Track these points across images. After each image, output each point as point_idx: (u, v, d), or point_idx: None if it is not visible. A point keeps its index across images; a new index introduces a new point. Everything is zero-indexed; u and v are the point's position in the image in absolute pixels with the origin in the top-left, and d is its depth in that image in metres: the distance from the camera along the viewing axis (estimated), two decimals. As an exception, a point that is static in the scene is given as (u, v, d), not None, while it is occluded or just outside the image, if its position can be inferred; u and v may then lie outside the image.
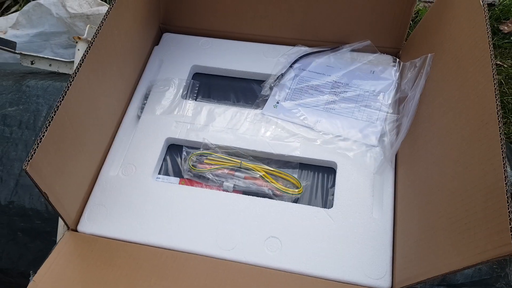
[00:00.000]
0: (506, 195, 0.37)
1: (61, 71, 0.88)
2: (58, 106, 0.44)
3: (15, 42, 0.87)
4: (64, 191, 0.50)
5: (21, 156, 0.71)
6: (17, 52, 0.88)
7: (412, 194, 0.53)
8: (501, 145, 0.39)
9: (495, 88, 0.43)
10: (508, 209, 0.36)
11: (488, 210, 0.38)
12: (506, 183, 0.37)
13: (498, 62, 1.27)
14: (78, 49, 0.71)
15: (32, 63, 0.89)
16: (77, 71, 0.47)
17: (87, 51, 0.49)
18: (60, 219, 0.61)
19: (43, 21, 1.10)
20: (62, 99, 0.45)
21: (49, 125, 0.43)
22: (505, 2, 1.36)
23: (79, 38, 0.72)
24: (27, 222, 0.68)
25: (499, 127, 0.40)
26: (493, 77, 0.44)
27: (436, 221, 0.46)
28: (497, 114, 0.41)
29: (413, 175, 0.55)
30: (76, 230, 0.56)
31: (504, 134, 0.41)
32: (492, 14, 1.34)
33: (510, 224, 0.35)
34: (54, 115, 0.44)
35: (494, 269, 0.66)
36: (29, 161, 0.41)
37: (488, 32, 0.48)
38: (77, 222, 0.57)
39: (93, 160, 0.59)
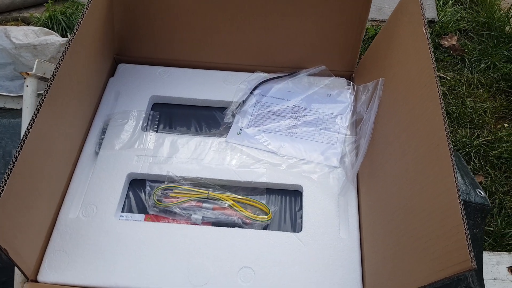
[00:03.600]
0: (461, 213, 0.39)
1: (7, 106, 0.84)
2: (16, 157, 0.42)
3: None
4: (22, 243, 0.47)
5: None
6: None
7: (375, 213, 0.55)
8: (452, 165, 0.42)
9: (442, 112, 0.46)
10: (464, 226, 0.38)
11: (445, 228, 0.40)
12: (460, 202, 0.40)
13: (442, 75, 1.36)
14: (27, 85, 0.68)
15: (-25, 100, 0.84)
16: (37, 112, 0.45)
17: (46, 91, 0.47)
18: (16, 269, 0.57)
19: (-15, 52, 1.04)
20: (21, 149, 0.42)
21: (8, 179, 0.40)
22: (443, 19, 1.47)
23: (27, 74, 0.68)
24: (-21, 273, 0.63)
25: (449, 148, 0.43)
26: (440, 101, 0.47)
27: (399, 238, 0.48)
28: (447, 136, 0.44)
29: (375, 194, 0.57)
30: (36, 281, 0.52)
31: (453, 154, 0.43)
32: (433, 31, 1.44)
33: (466, 241, 0.37)
34: (13, 167, 0.41)
35: (455, 275, 0.70)
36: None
37: (432, 60, 0.51)
38: (37, 271, 0.53)
39: (51, 204, 0.56)
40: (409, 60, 0.56)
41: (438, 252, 0.41)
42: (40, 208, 0.52)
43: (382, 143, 0.58)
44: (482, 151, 1.18)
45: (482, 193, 0.83)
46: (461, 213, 0.39)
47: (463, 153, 1.17)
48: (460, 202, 0.40)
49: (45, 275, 0.53)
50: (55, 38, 1.00)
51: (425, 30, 0.53)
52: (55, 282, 0.52)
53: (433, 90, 0.49)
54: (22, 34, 1.00)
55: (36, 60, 0.68)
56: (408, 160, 0.50)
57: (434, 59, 0.51)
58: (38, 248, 0.53)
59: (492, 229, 1.04)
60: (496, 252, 0.93)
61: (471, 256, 0.36)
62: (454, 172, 0.42)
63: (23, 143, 0.43)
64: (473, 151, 1.17)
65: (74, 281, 0.52)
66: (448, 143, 0.44)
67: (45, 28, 1.05)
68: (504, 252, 0.94)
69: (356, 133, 0.67)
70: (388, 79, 0.62)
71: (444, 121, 0.46)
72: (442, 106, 0.47)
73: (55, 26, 1.41)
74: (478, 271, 0.81)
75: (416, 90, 0.52)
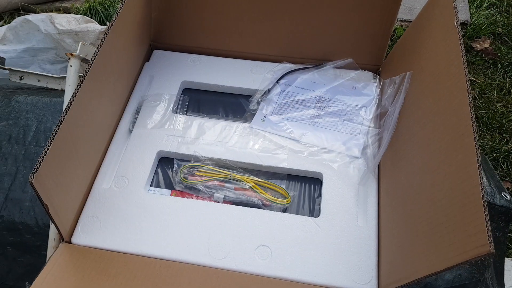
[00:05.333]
0: (482, 199, 0.40)
1: (50, 86, 0.90)
2: (61, 121, 0.46)
3: (4, 58, 0.88)
4: (62, 203, 0.51)
5: (11, 171, 0.72)
6: (6, 67, 0.88)
7: (395, 202, 0.56)
8: (476, 154, 0.43)
9: (469, 102, 0.47)
10: (484, 212, 0.39)
11: (465, 214, 0.41)
12: (482, 189, 0.41)
13: (472, 78, 1.34)
14: (71, 65, 0.73)
15: (21, 79, 0.89)
16: (79, 87, 0.49)
17: (88, 68, 0.51)
18: (50, 233, 0.61)
19: (30, 37, 1.11)
20: (65, 114, 0.46)
21: (53, 139, 0.45)
22: (476, 21, 1.44)
23: (72, 54, 0.73)
24: (17, 236, 0.68)
25: (474, 137, 0.44)
26: (468, 91, 0.48)
27: (417, 226, 0.49)
28: (472, 126, 0.45)
29: (395, 184, 0.58)
30: (70, 242, 0.57)
31: (479, 144, 0.44)
32: (465, 33, 1.42)
33: (486, 226, 0.38)
34: (58, 129, 0.45)
35: (474, 275, 0.70)
36: (34, 173, 0.42)
37: (462, 51, 0.52)
38: (71, 234, 0.57)
39: (87, 174, 0.60)
40: (438, 53, 0.57)
41: (457, 237, 0.41)
42: (78, 175, 0.56)
43: (406, 134, 0.59)
44: (510, 157, 1.15)
45: (508, 196, 0.82)
46: (482, 199, 0.40)
47: (491, 158, 1.15)
48: (482, 189, 0.40)
49: (78, 238, 0.57)
50: (95, 26, 1.06)
51: (456, 23, 0.54)
52: (87, 245, 0.56)
53: (461, 81, 0.49)
54: (66, 21, 1.06)
55: (80, 42, 0.73)
56: (432, 150, 0.51)
57: (464, 51, 0.52)
58: (74, 212, 0.57)
59: (516, 235, 1.02)
60: (519, 259, 0.92)
61: (490, 240, 0.37)
62: (477, 160, 0.42)
63: (67, 111, 0.47)
64: (501, 156, 1.15)
65: (104, 245, 0.56)
66: (474, 132, 0.44)
67: (86, 17, 1.11)
68: (527, 259, 0.92)
69: (380, 125, 0.68)
70: (416, 72, 0.62)
71: (470, 111, 0.46)
72: (469, 97, 0.47)
73: (93, 17, 1.49)
74: (499, 276, 0.80)
75: (444, 82, 0.53)
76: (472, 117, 0.45)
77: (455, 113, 0.48)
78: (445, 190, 0.45)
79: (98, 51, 0.53)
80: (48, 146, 0.44)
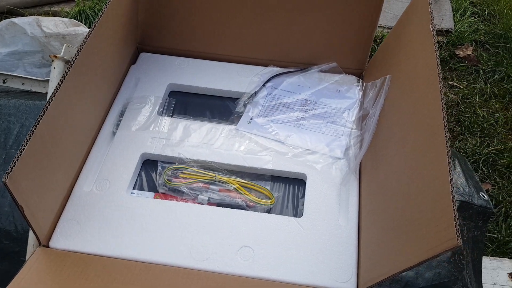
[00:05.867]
0: (452, 195, 0.41)
1: (34, 89, 0.89)
2: (39, 121, 0.46)
3: (-11, 61, 0.88)
4: (38, 206, 0.51)
5: (-8, 173, 0.71)
6: (-10, 70, 0.88)
7: (374, 201, 0.58)
8: (447, 152, 0.44)
9: (442, 103, 0.49)
10: (453, 207, 0.40)
11: (436, 210, 0.43)
12: (451, 185, 0.42)
13: (455, 84, 1.37)
14: (54, 67, 0.73)
15: (4, 82, 0.89)
16: (59, 87, 0.49)
17: (69, 68, 0.51)
18: (29, 238, 0.60)
19: (16, 40, 1.10)
20: (44, 114, 0.47)
21: (29, 139, 0.45)
22: (460, 29, 1.48)
23: (55, 56, 0.73)
24: (-5, 241, 0.67)
25: (445, 136, 0.45)
26: (441, 93, 0.49)
27: (394, 224, 0.50)
28: (444, 125, 0.46)
29: (375, 184, 0.59)
30: (47, 246, 0.56)
31: (450, 143, 0.45)
32: (449, 40, 1.46)
33: (454, 221, 0.39)
34: (35, 129, 0.45)
35: (453, 273, 0.71)
36: (8, 173, 0.42)
37: (436, 54, 0.53)
38: (49, 238, 0.57)
39: (68, 176, 0.60)
40: (416, 56, 0.58)
41: (429, 233, 0.43)
42: (57, 177, 0.56)
43: (385, 135, 0.61)
44: (491, 159, 1.18)
45: (486, 196, 0.84)
46: (452, 195, 0.41)
47: (472, 161, 1.17)
48: (451, 185, 0.42)
49: (56, 242, 0.56)
50: (83, 29, 1.06)
51: (432, 27, 0.56)
52: (66, 249, 0.56)
53: (435, 83, 0.51)
54: (53, 24, 1.06)
55: (65, 45, 0.73)
56: (407, 149, 0.53)
57: (438, 54, 0.53)
58: (52, 216, 0.57)
59: (496, 236, 1.04)
60: (498, 258, 0.94)
61: (458, 234, 0.38)
62: (448, 157, 0.44)
63: (45, 110, 0.47)
64: (482, 159, 1.17)
65: (84, 249, 0.56)
66: (445, 131, 0.46)
67: (74, 20, 1.11)
68: (506, 259, 0.94)
69: (361, 127, 0.69)
70: (395, 76, 0.64)
71: (443, 111, 0.48)
72: (442, 98, 0.49)
73: (83, 21, 1.48)
74: (477, 274, 0.82)
75: (420, 84, 0.55)
76: (444, 116, 0.47)
77: (429, 113, 0.50)
78: (419, 188, 0.47)
79: (80, 50, 0.53)
80: (24, 145, 0.44)
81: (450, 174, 0.42)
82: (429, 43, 0.55)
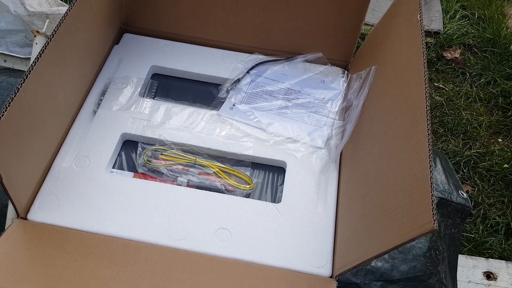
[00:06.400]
0: (430, 181, 0.41)
1: (16, 67, 0.87)
2: (18, 88, 0.45)
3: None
4: (17, 176, 0.50)
5: (-32, 148, 0.69)
6: (-29, 46, 0.86)
7: (353, 190, 0.58)
8: (428, 139, 0.44)
9: (425, 91, 0.49)
10: (431, 192, 0.40)
11: (414, 196, 0.43)
12: (430, 171, 0.42)
13: (441, 86, 1.39)
14: (36, 43, 0.72)
15: (-15, 58, 0.87)
16: (39, 57, 0.48)
17: (50, 39, 0.50)
18: (8, 212, 0.60)
19: None
20: (23, 82, 0.46)
21: (8, 106, 0.44)
22: (449, 31, 1.50)
23: (38, 32, 0.72)
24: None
25: (427, 124, 0.46)
26: (425, 82, 0.49)
27: (371, 211, 0.50)
28: (426, 113, 0.47)
29: (354, 173, 0.59)
30: (26, 219, 0.55)
31: (431, 130, 0.45)
32: (437, 42, 1.47)
33: (432, 205, 0.39)
34: (14, 96, 0.44)
35: (428, 267, 0.72)
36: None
37: (422, 44, 0.54)
38: (27, 211, 0.56)
39: (47, 150, 0.59)
40: (402, 47, 0.59)
41: (405, 218, 0.43)
42: (37, 150, 0.55)
43: (367, 125, 0.61)
44: (472, 162, 1.20)
45: (465, 194, 0.85)
46: (430, 181, 0.41)
47: (453, 162, 1.19)
48: (430, 171, 0.42)
49: (34, 215, 0.56)
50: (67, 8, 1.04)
51: (420, 17, 0.56)
52: (44, 222, 0.55)
53: (419, 72, 0.51)
54: (37, 3, 1.03)
55: (47, 20, 0.72)
56: (388, 137, 0.53)
57: (425, 44, 0.54)
58: (31, 189, 0.56)
59: (473, 236, 1.05)
60: (474, 257, 0.95)
61: (434, 218, 0.38)
62: (429, 144, 0.44)
63: (24, 79, 0.46)
64: (463, 161, 1.19)
65: (61, 223, 0.55)
66: (427, 119, 0.46)
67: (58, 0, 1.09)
68: (482, 258, 0.95)
69: (344, 118, 0.69)
70: (381, 67, 0.64)
71: (426, 99, 0.48)
72: (426, 86, 0.49)
73: (67, 1, 1.46)
74: (452, 270, 0.83)
75: (405, 74, 0.55)
76: (427, 104, 0.47)
77: (412, 102, 0.50)
78: (397, 175, 0.47)
79: (61, 24, 0.52)
80: (3, 112, 0.43)
81: (430, 160, 0.42)
82: (416, 33, 0.55)
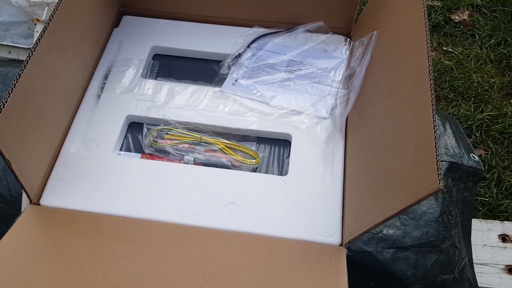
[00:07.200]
0: (434, 141, 0.41)
1: (21, 58, 0.88)
2: (20, 75, 0.46)
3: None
4: (26, 162, 0.51)
5: (-20, 139, 0.71)
6: (-25, 39, 0.87)
7: (359, 157, 0.57)
8: (431, 99, 0.44)
9: (427, 51, 0.47)
10: (436, 152, 0.40)
11: (419, 157, 0.42)
12: (434, 131, 0.42)
13: (450, 49, 1.35)
14: (37, 31, 0.72)
15: (-10, 50, 0.88)
16: (38, 42, 0.48)
17: (47, 24, 0.50)
18: (23, 200, 0.61)
19: (1, 10, 1.08)
20: (24, 68, 0.46)
21: (11, 92, 0.44)
22: (455, -7, 1.45)
23: (38, 20, 0.72)
24: (-11, 205, 0.68)
25: (430, 84, 0.45)
26: (427, 41, 0.48)
27: (377, 176, 0.50)
28: (429, 73, 0.46)
29: (360, 140, 0.59)
30: (38, 204, 0.57)
31: (434, 90, 0.45)
32: (444, 5, 1.43)
33: (436, 165, 0.39)
34: (16, 82, 0.45)
35: (440, 232, 0.72)
36: (-8, 126, 0.42)
37: (424, 4, 0.52)
38: (40, 196, 0.57)
39: (54, 136, 0.60)
40: (403, 8, 0.57)
41: (411, 180, 0.42)
42: (44, 136, 0.56)
43: (371, 91, 0.60)
44: (484, 125, 1.17)
45: (476, 157, 0.84)
46: (435, 141, 0.41)
47: (465, 126, 1.17)
48: (434, 131, 0.41)
49: (46, 200, 0.57)
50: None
51: None
52: (56, 207, 0.57)
53: (421, 32, 0.50)
54: (36, -8, 1.03)
55: (46, 7, 0.72)
56: (392, 101, 0.52)
57: (425, 4, 0.52)
58: (41, 175, 0.57)
59: (487, 199, 1.04)
60: (489, 220, 0.94)
61: (439, 178, 0.38)
62: (432, 104, 0.43)
63: (25, 65, 0.46)
64: (475, 124, 1.17)
65: (73, 206, 0.56)
66: (430, 79, 0.45)
67: (58, -12, 1.09)
68: (497, 221, 0.94)
69: (348, 87, 0.68)
70: (382, 31, 0.63)
71: (428, 59, 0.47)
72: (428, 46, 0.48)
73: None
74: (466, 234, 0.83)
75: (406, 35, 0.54)
76: (429, 65, 0.46)
77: (415, 63, 0.49)
78: (402, 137, 0.46)
79: (57, 9, 0.52)
80: (7, 98, 0.44)
81: (433, 120, 0.41)
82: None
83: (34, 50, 0.48)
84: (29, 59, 0.47)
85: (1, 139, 0.44)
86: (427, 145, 0.42)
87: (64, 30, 0.56)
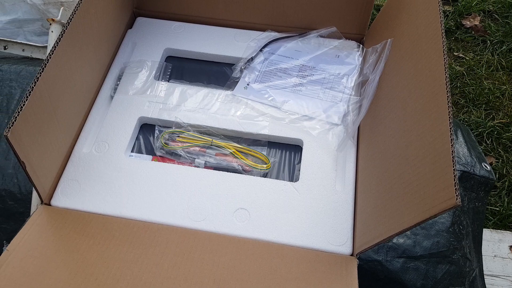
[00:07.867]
0: (452, 155, 0.40)
1: (34, 56, 0.89)
2: (38, 78, 0.46)
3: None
4: (40, 163, 0.51)
5: (-7, 138, 0.72)
6: (-11, 37, 0.87)
7: (372, 166, 0.57)
8: (448, 112, 0.43)
9: (444, 62, 0.47)
10: (453, 167, 0.39)
11: (436, 171, 0.42)
12: (452, 145, 0.41)
13: (461, 55, 1.34)
14: (52, 31, 0.72)
15: (5, 48, 0.89)
16: (56, 45, 0.49)
17: (66, 27, 0.51)
18: (33, 198, 0.62)
19: (16, 8, 1.09)
20: (42, 71, 0.46)
21: (29, 95, 0.44)
22: (467, -1, 1.43)
23: (53, 20, 0.72)
24: (0, 203, 0.68)
25: (447, 96, 0.44)
26: (444, 52, 0.48)
27: (391, 187, 0.49)
28: (446, 85, 0.45)
29: (373, 149, 0.58)
30: (49, 205, 0.57)
31: (452, 102, 0.44)
32: (456, 10, 1.41)
33: (454, 180, 0.39)
34: (34, 85, 0.45)
35: (451, 242, 0.71)
36: (10, 127, 0.42)
37: (440, 13, 0.52)
38: (51, 196, 0.58)
39: (67, 137, 0.60)
40: (418, 16, 0.56)
41: (427, 193, 0.42)
42: (57, 137, 0.56)
43: (385, 99, 0.60)
44: (496, 132, 1.16)
45: (488, 167, 0.83)
46: (452, 155, 0.40)
47: (476, 133, 1.15)
48: (452, 145, 0.41)
49: (58, 200, 0.57)
50: (80, -4, 1.04)
51: None
52: (67, 207, 0.57)
53: (437, 42, 0.49)
54: (50, -9, 1.04)
55: (61, 8, 0.72)
56: (407, 111, 0.51)
57: (442, 13, 0.52)
58: (53, 175, 0.58)
59: (498, 209, 1.03)
60: (499, 231, 0.93)
61: (457, 194, 0.37)
62: (449, 117, 0.42)
63: (43, 68, 0.47)
64: (486, 132, 1.16)
65: (84, 207, 0.57)
66: (447, 91, 0.44)
67: (71, -13, 1.09)
68: (508, 231, 0.93)
69: (360, 94, 0.68)
70: (396, 39, 0.62)
71: (445, 70, 0.46)
72: (445, 57, 0.47)
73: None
74: (477, 245, 0.82)
75: (422, 44, 0.53)
76: (446, 76, 0.45)
77: (431, 74, 0.49)
78: (418, 149, 0.46)
79: (76, 12, 0.52)
80: (24, 101, 0.44)
81: (451, 134, 0.41)
82: (432, 1, 0.53)
83: (52, 53, 0.48)
84: (47, 61, 0.47)
85: (18, 143, 0.44)
86: (444, 159, 0.41)
87: (82, 33, 0.56)
